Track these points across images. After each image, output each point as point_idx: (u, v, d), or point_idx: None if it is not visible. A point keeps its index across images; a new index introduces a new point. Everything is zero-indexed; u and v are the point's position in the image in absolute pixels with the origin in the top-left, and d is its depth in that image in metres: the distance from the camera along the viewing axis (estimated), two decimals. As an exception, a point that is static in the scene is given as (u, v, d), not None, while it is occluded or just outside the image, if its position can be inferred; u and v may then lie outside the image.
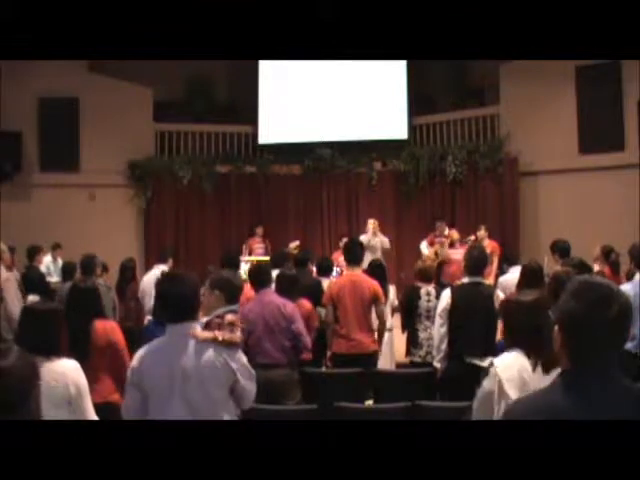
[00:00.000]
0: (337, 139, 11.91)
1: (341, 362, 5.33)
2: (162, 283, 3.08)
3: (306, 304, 5.44)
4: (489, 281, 6.59)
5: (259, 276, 4.95)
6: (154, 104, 11.87)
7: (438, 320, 4.73)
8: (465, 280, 4.78)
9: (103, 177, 11.20)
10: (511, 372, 2.59)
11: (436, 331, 4.77)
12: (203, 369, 2.73)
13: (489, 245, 9.24)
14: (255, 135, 12.26)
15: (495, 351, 4.54)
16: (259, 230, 10.85)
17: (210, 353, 2.74)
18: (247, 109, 12.25)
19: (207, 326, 2.96)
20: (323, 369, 5.67)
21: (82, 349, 3.82)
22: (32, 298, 4.58)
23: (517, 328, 2.74)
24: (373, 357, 5.42)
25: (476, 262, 4.76)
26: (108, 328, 3.97)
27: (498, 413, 2.55)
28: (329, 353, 5.57)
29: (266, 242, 10.57)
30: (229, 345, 2.78)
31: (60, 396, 2.86)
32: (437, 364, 4.77)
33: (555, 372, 2.44)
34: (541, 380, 2.51)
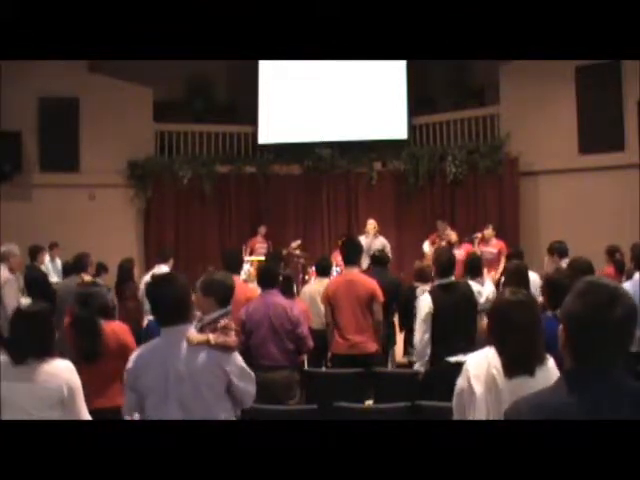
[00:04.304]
0: (337, 139, 11.92)
1: (341, 363, 5.30)
2: (152, 286, 3.08)
3: (302, 304, 5.44)
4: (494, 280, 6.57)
5: (267, 277, 4.90)
6: (154, 104, 11.87)
7: (422, 326, 4.60)
8: (438, 282, 4.77)
9: (103, 177, 11.20)
10: (480, 369, 2.60)
11: (419, 337, 4.63)
12: (196, 372, 2.76)
13: (496, 245, 9.24)
14: (255, 135, 12.27)
15: (473, 345, 4.53)
16: (262, 230, 10.78)
17: (203, 356, 2.77)
18: (247, 109, 12.25)
19: (202, 330, 3.00)
20: (323, 369, 5.67)
21: (91, 351, 3.81)
22: (24, 301, 4.57)
23: (489, 326, 2.75)
24: (374, 357, 5.35)
25: (446, 264, 4.78)
26: (118, 330, 3.95)
27: (470, 409, 2.57)
28: (329, 354, 5.54)
29: (268, 242, 10.51)
30: (222, 348, 2.81)
31: (54, 397, 2.86)
32: (420, 368, 4.66)
33: (520, 378, 2.47)
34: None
